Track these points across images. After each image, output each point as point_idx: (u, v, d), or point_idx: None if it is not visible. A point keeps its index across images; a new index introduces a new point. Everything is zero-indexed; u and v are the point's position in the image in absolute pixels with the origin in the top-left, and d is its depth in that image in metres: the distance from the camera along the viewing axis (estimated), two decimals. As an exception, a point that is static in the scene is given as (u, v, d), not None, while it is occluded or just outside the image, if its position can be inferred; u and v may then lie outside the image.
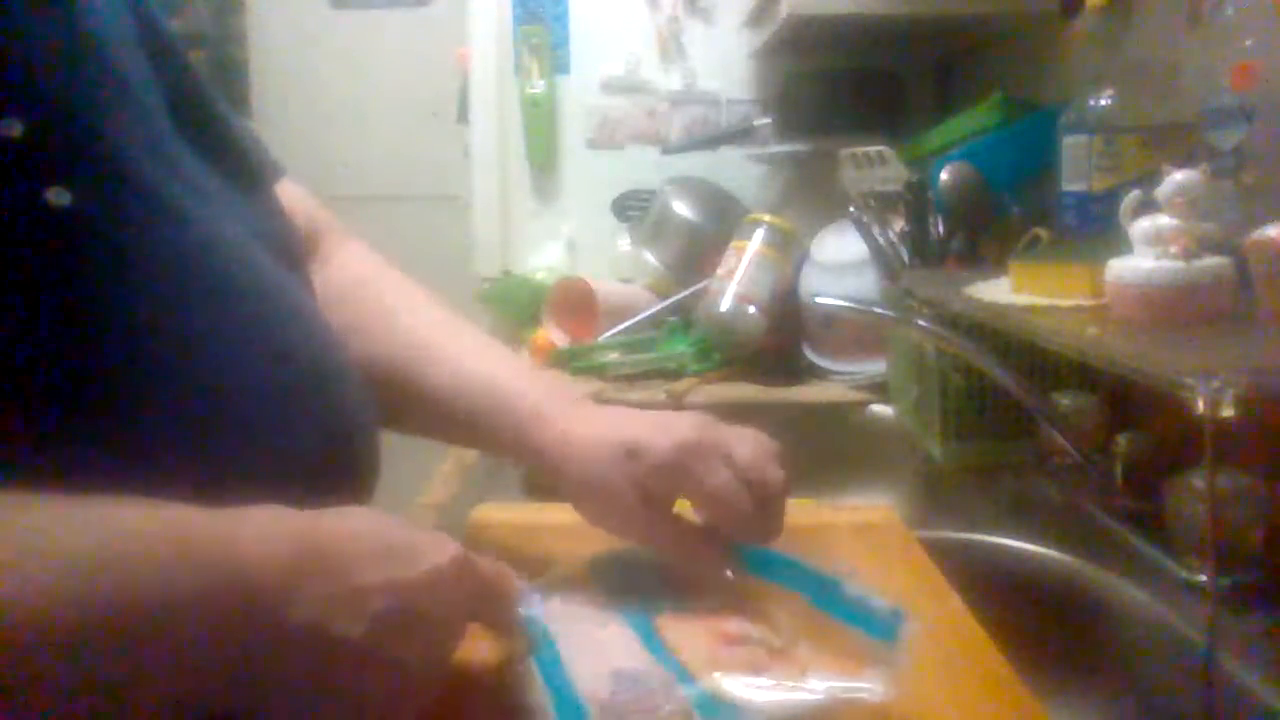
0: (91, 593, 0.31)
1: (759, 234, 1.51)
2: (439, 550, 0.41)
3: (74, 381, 0.36)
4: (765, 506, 0.54)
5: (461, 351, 0.62)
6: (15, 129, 0.36)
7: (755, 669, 0.47)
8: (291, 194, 0.63)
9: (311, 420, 0.46)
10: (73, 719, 0.32)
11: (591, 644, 0.48)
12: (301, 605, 0.36)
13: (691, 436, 0.54)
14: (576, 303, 1.57)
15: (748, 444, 0.55)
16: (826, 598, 0.52)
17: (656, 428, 0.55)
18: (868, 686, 0.46)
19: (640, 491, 0.54)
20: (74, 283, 0.37)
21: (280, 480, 0.42)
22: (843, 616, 0.51)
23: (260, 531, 0.37)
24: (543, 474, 0.59)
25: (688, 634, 0.50)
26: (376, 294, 0.66)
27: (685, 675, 0.46)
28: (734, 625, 0.51)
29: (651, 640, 0.49)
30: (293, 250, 0.54)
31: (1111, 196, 0.85)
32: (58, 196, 0.36)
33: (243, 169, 0.52)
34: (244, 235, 0.47)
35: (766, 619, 0.52)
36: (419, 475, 1.04)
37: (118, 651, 0.32)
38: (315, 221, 0.68)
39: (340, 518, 0.40)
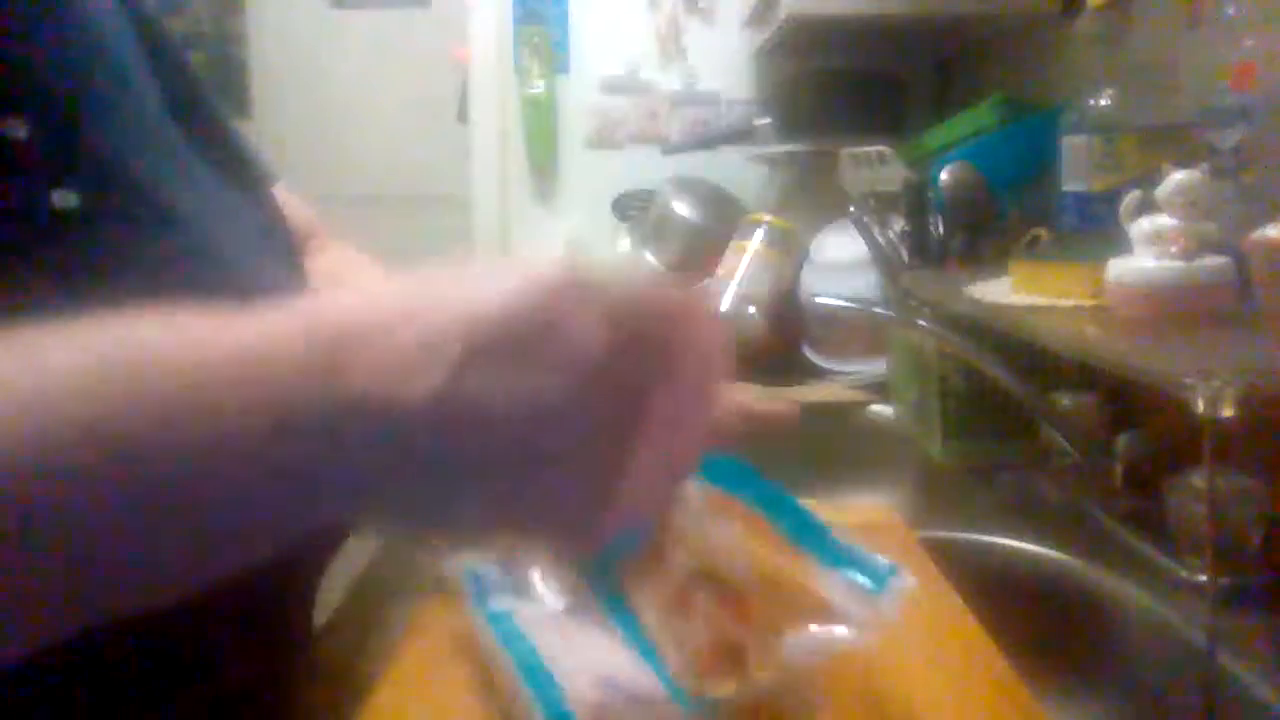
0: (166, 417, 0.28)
1: (759, 234, 1.51)
2: (529, 282, 0.30)
3: None
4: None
5: None
6: (21, 130, 0.36)
7: (738, 670, 0.44)
8: (284, 199, 0.63)
9: None
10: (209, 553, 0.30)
11: (574, 644, 0.46)
12: (354, 376, 0.29)
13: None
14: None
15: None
16: (809, 537, 0.47)
17: None
18: (846, 635, 0.43)
19: None
20: (79, 285, 0.37)
21: None
22: (831, 560, 0.46)
23: (266, 333, 0.31)
24: None
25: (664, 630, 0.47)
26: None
27: (671, 681, 0.44)
28: (678, 579, 0.45)
29: (637, 637, 0.47)
30: (292, 250, 0.54)
31: (1111, 196, 0.85)
32: (63, 200, 0.36)
33: (242, 170, 0.52)
34: (245, 237, 0.47)
35: (728, 581, 0.46)
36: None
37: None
38: (306, 225, 0.68)
39: (344, 293, 0.34)
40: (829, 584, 0.45)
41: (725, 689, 0.43)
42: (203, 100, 0.51)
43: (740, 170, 1.89)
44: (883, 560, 0.46)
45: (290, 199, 0.65)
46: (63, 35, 0.40)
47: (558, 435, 0.30)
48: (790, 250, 1.50)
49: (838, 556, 0.46)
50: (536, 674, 0.45)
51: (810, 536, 0.47)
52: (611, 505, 0.31)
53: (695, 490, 0.46)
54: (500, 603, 0.49)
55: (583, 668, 0.45)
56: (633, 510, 0.31)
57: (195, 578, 0.30)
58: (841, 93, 1.77)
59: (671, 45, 1.93)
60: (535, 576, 0.50)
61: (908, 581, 0.45)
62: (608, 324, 0.31)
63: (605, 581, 0.47)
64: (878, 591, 0.45)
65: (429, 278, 0.32)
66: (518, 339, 0.29)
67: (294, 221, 0.63)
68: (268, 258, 0.48)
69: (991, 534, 0.85)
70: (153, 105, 0.45)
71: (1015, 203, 1.16)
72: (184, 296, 0.41)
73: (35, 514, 0.27)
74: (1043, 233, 1.05)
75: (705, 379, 0.34)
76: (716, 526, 0.45)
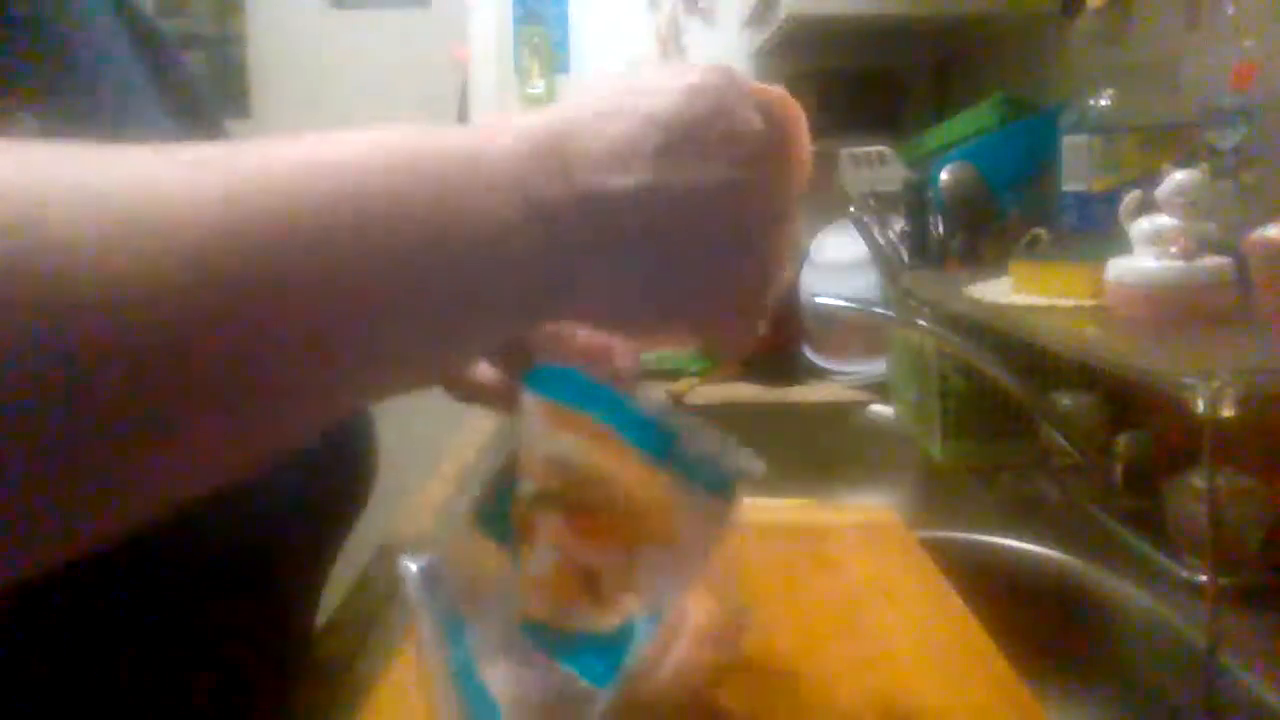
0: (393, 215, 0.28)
1: (759, 234, 1.50)
2: (701, 78, 0.35)
3: None
4: None
5: None
6: (30, 122, 0.36)
7: (593, 596, 0.39)
8: None
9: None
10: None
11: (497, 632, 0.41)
12: (576, 171, 0.32)
13: None
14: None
15: None
16: (656, 444, 0.41)
17: None
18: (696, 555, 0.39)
19: None
20: None
21: (278, 477, 0.42)
22: (680, 469, 0.41)
23: (496, 129, 0.33)
24: None
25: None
26: None
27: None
28: (555, 555, 0.41)
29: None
30: None
31: (1111, 196, 0.85)
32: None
33: None
34: None
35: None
36: (419, 475, 1.04)
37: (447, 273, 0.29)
38: None
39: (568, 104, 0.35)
40: (678, 496, 0.40)
41: (582, 619, 0.39)
42: (200, 101, 0.51)
43: (740, 170, 1.89)
44: (730, 463, 0.41)
45: None
46: (66, 34, 0.40)
47: (733, 215, 0.34)
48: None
49: (686, 464, 0.41)
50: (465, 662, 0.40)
51: (656, 443, 0.41)
52: (765, 303, 0.36)
53: (532, 405, 0.42)
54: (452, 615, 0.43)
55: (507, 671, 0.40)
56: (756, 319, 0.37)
57: (414, 377, 0.32)
58: (841, 93, 1.77)
59: (671, 45, 1.93)
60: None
61: (754, 470, 0.41)
62: (760, 117, 0.35)
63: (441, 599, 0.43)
64: (725, 498, 0.40)
65: (609, 82, 0.35)
66: (699, 131, 0.33)
67: None
68: None
69: (991, 534, 0.85)
70: (151, 108, 0.45)
71: (1015, 203, 1.16)
72: None
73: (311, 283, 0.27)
74: (1043, 233, 1.05)
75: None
76: (557, 442, 0.41)
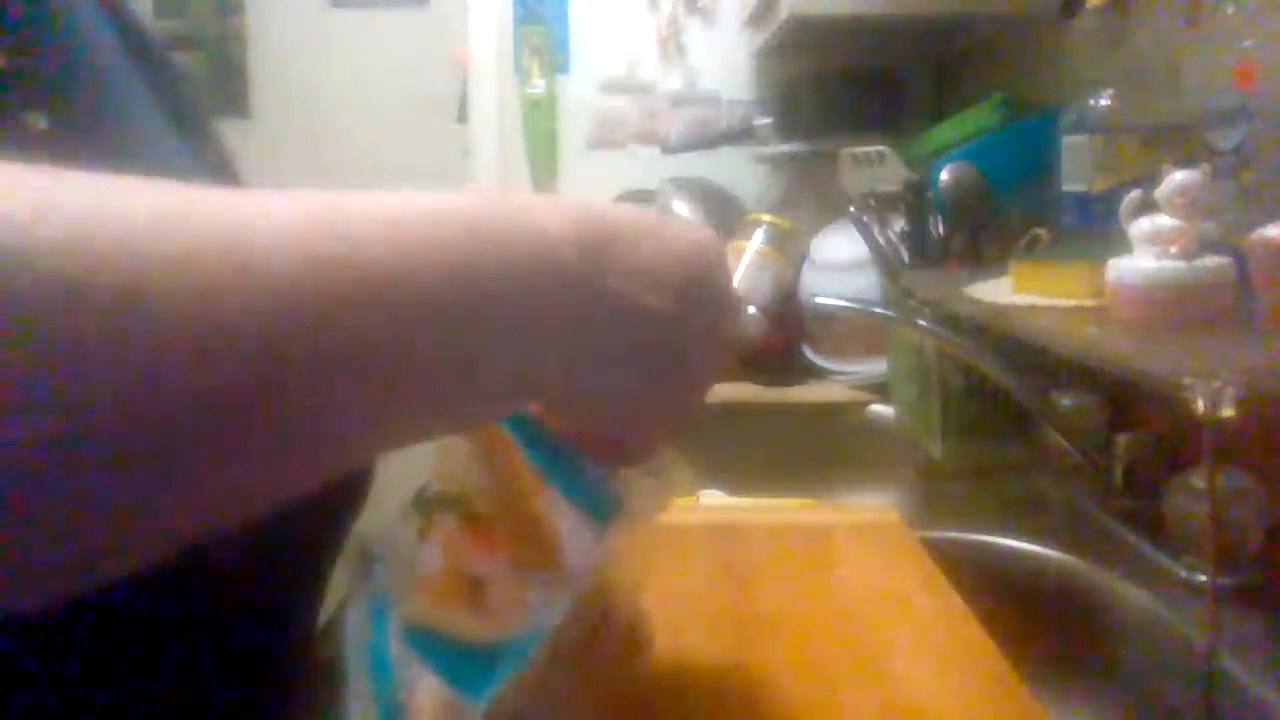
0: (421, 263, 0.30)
1: (759, 234, 1.50)
2: (704, 233, 0.41)
3: None
4: None
5: None
6: (42, 122, 0.36)
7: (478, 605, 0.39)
8: None
9: None
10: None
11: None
12: (612, 276, 0.36)
13: None
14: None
15: None
16: (546, 459, 0.41)
17: None
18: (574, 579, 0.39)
19: None
20: None
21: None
22: (565, 488, 0.40)
23: (548, 209, 0.36)
24: None
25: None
26: None
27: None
28: (446, 558, 0.41)
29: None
30: None
31: (1111, 196, 0.85)
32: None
33: (225, 165, 0.53)
34: None
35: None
36: (417, 475, 1.04)
37: (459, 321, 0.31)
38: None
39: (608, 209, 0.40)
40: (561, 515, 0.40)
41: (461, 626, 0.39)
42: (191, 102, 0.51)
43: (740, 170, 1.89)
44: (609, 488, 0.40)
45: None
46: (63, 32, 0.40)
47: (705, 348, 0.39)
48: (790, 250, 1.50)
49: (569, 483, 0.40)
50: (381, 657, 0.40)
51: (545, 458, 0.41)
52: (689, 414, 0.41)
53: None
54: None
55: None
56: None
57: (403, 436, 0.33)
58: (841, 93, 1.77)
59: (671, 45, 1.93)
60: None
61: (630, 511, 0.40)
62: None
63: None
64: (600, 525, 0.39)
65: (644, 212, 0.40)
66: (708, 277, 0.39)
67: None
68: None
69: (991, 534, 0.85)
70: (148, 108, 0.45)
71: (1015, 203, 1.16)
72: None
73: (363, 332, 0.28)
74: (1043, 233, 1.05)
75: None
76: (459, 448, 0.42)
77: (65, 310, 0.23)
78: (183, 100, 0.50)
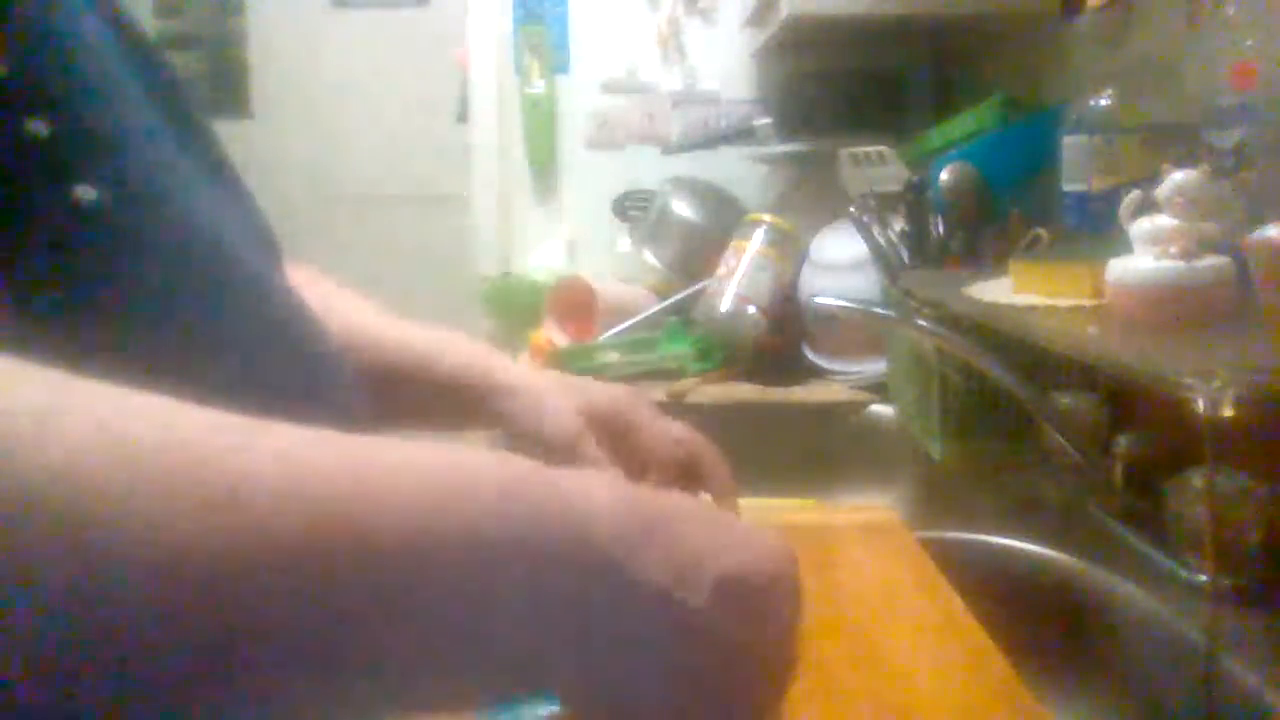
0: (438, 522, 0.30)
1: (759, 234, 1.51)
2: (779, 546, 0.37)
3: (97, 374, 0.36)
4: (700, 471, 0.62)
5: (411, 330, 0.66)
6: (44, 129, 0.36)
7: None
8: None
9: (323, 418, 0.46)
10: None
11: None
12: (645, 565, 0.33)
13: (629, 396, 0.65)
14: (576, 303, 1.57)
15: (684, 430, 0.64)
16: None
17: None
18: None
19: (584, 413, 0.62)
20: (100, 278, 0.37)
21: None
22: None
23: (592, 485, 0.34)
24: (496, 414, 0.64)
25: None
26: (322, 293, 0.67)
27: None
28: None
29: None
30: (274, 248, 0.54)
31: (1111, 196, 0.85)
32: (84, 194, 0.37)
33: (222, 166, 0.53)
34: (237, 234, 0.47)
35: None
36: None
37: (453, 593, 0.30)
38: None
39: (665, 494, 0.38)
40: None
41: None
42: (188, 105, 0.51)
43: (740, 170, 1.89)
44: None
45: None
46: (63, 37, 0.40)
47: (748, 674, 0.35)
48: (790, 250, 1.50)
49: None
50: None
51: None
52: None
53: None
54: None
55: None
56: None
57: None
58: (841, 92, 1.77)
59: (671, 45, 1.94)
60: None
61: None
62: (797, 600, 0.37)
63: None
64: None
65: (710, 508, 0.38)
66: (760, 591, 0.35)
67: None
68: (259, 255, 0.49)
69: (991, 534, 0.85)
70: (147, 112, 0.45)
71: (1015, 203, 1.16)
72: (196, 285, 0.42)
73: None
74: (1043, 233, 1.05)
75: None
76: None
77: (67, 545, 0.24)
78: (179, 103, 0.50)
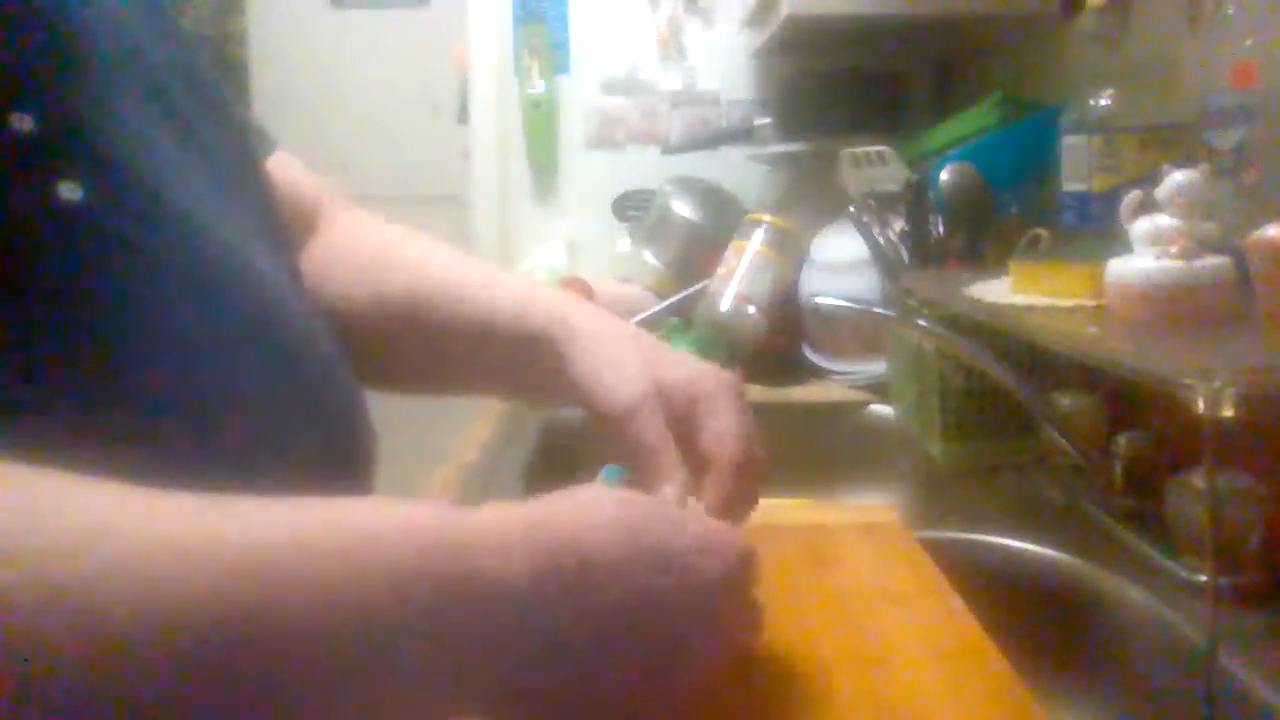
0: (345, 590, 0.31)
1: (759, 234, 1.51)
2: (714, 553, 0.40)
3: (81, 377, 0.36)
4: (751, 479, 0.51)
5: (492, 279, 0.60)
6: (28, 124, 0.36)
7: None
8: (286, 167, 0.60)
9: (313, 417, 0.46)
10: None
11: None
12: (550, 618, 0.35)
13: (712, 377, 0.52)
14: (576, 303, 1.57)
15: (749, 418, 0.52)
16: None
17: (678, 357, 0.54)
18: None
19: (656, 386, 0.50)
20: (84, 276, 0.37)
21: (283, 478, 0.42)
22: None
23: (498, 538, 0.35)
24: (556, 361, 0.53)
25: None
26: (386, 243, 0.65)
27: None
28: None
29: None
30: (284, 239, 0.54)
31: (1111, 196, 0.85)
32: (70, 192, 0.36)
33: (241, 150, 0.52)
34: (242, 229, 0.47)
35: None
36: (419, 475, 1.04)
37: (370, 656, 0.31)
38: (313, 192, 0.66)
39: (579, 512, 0.37)
40: None
41: None
42: (198, 66, 0.50)
43: (740, 170, 1.89)
44: None
45: (292, 168, 0.63)
46: (64, 17, 0.39)
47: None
48: (790, 250, 1.50)
49: None
50: None
51: None
52: None
53: None
54: None
55: None
56: None
57: None
58: (841, 93, 1.77)
59: (671, 45, 1.93)
60: None
61: None
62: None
63: None
64: None
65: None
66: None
67: (298, 192, 0.62)
68: (263, 250, 0.48)
69: (991, 534, 0.85)
70: (161, 74, 0.45)
71: (1015, 203, 1.16)
72: (185, 293, 0.41)
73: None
74: (1043, 233, 1.05)
75: None
76: None
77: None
78: (195, 86, 0.49)
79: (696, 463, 0.50)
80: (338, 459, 0.48)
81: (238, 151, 0.51)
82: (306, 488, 0.42)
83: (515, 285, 0.59)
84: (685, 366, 0.52)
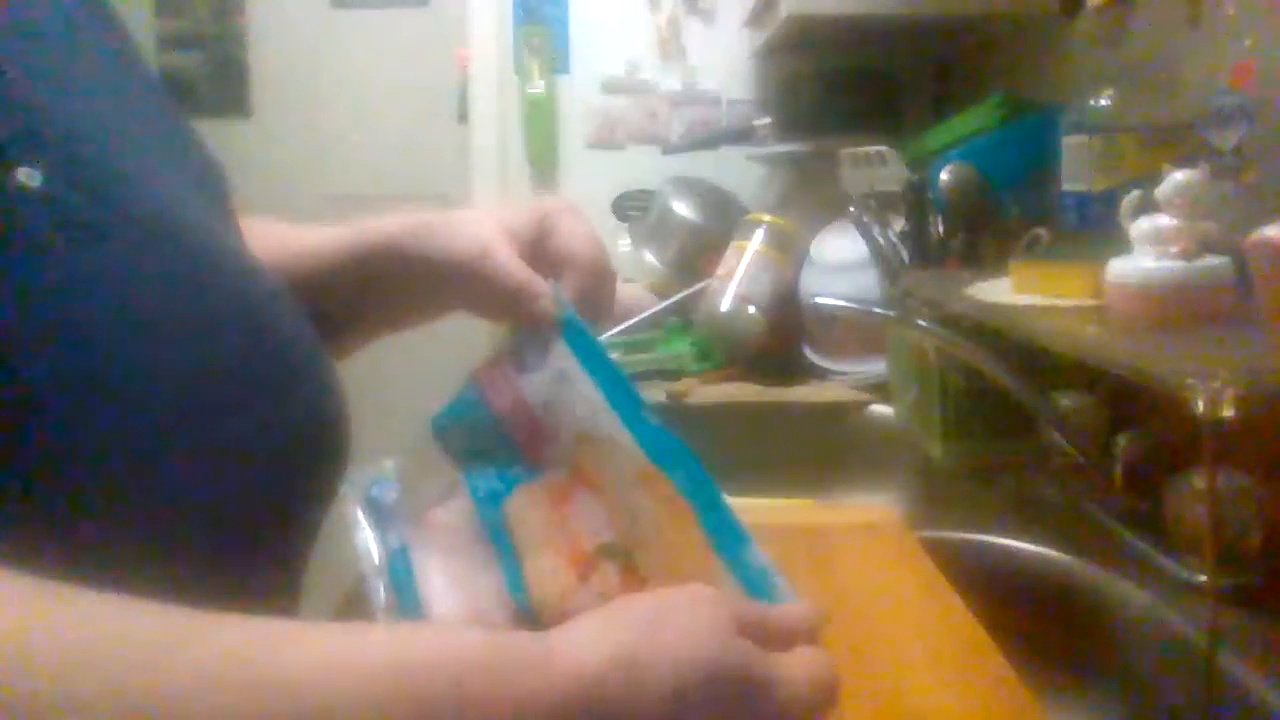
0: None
1: (759, 234, 1.51)
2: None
3: (50, 369, 0.35)
4: (605, 278, 0.54)
5: (340, 228, 0.62)
6: None
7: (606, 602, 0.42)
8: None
9: (290, 402, 0.45)
10: None
11: (455, 581, 0.45)
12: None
13: (551, 202, 0.56)
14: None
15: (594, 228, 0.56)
16: (726, 544, 0.44)
17: None
18: None
19: (502, 227, 0.54)
20: (45, 262, 0.36)
21: (261, 464, 0.42)
22: (740, 577, 0.44)
23: (479, 689, 0.34)
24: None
25: (544, 546, 0.45)
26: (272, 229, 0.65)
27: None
28: (587, 540, 0.45)
29: (510, 568, 0.45)
30: (222, 192, 0.53)
31: (1111, 196, 0.85)
32: (28, 178, 0.36)
33: (162, 103, 0.52)
34: (207, 216, 0.47)
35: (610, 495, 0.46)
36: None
37: None
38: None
39: (577, 663, 0.36)
40: (720, 586, 0.43)
41: None
42: (141, 68, 0.50)
43: (740, 170, 1.89)
44: (774, 577, 0.43)
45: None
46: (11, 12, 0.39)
47: None
48: (790, 250, 1.50)
49: (747, 575, 0.43)
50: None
51: (727, 544, 0.44)
52: None
53: (629, 459, 0.44)
54: (397, 534, 0.47)
55: (456, 610, 0.44)
56: None
57: None
58: (841, 93, 1.77)
59: (671, 45, 1.93)
60: (433, 504, 0.47)
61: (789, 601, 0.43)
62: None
63: (494, 514, 0.46)
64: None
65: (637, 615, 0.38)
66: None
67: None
68: (230, 235, 0.48)
69: (991, 534, 0.85)
70: (86, 33, 0.45)
71: (1015, 203, 1.16)
72: (157, 279, 0.41)
73: None
74: (1043, 233, 1.05)
75: None
76: (642, 503, 0.44)
77: None
78: (162, 101, 0.49)
79: (551, 268, 0.53)
80: (316, 444, 0.48)
81: (160, 104, 0.51)
82: (284, 472, 0.42)
83: (370, 223, 0.60)
84: (534, 205, 0.56)
